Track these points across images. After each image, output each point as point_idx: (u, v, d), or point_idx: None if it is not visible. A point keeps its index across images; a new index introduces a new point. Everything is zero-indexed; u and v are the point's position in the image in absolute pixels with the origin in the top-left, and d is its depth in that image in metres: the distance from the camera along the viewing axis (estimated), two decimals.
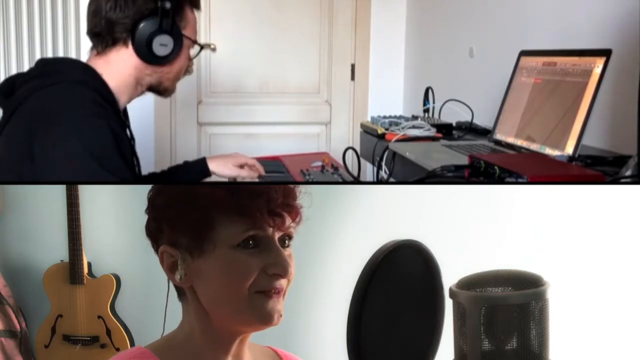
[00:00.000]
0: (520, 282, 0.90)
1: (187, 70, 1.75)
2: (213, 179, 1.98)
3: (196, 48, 1.74)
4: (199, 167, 1.94)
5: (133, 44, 1.61)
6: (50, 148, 1.45)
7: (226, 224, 0.93)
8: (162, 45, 1.62)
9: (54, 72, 1.59)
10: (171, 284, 1.01)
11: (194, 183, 1.90)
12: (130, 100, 1.70)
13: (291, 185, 0.98)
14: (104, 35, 1.61)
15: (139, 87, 1.69)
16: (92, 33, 1.63)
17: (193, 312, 0.99)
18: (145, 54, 1.62)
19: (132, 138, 1.70)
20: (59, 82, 1.55)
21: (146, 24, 1.59)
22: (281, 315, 0.95)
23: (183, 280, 0.96)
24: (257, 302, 0.94)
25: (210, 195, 0.94)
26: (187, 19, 1.67)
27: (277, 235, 0.95)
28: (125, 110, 1.72)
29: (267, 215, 0.93)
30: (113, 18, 1.59)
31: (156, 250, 1.00)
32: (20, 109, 1.52)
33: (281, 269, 0.94)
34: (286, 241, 0.97)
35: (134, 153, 1.67)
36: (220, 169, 1.95)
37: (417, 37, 3.54)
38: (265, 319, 0.94)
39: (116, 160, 1.50)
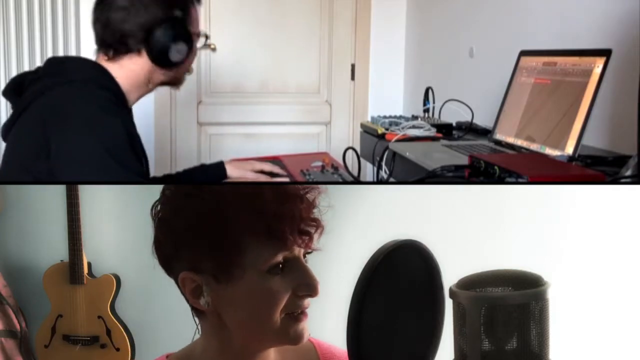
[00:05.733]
0: (520, 282, 0.90)
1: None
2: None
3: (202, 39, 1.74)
4: (217, 170, 1.92)
5: (148, 54, 1.61)
6: (66, 144, 1.46)
7: (256, 248, 0.89)
8: (177, 52, 1.62)
9: (66, 70, 1.60)
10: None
11: (209, 183, 1.89)
12: (139, 98, 1.71)
13: (310, 197, 0.95)
14: (116, 46, 1.60)
15: (150, 85, 1.70)
16: (105, 44, 1.62)
17: (213, 331, 0.96)
18: (162, 61, 1.62)
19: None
20: (72, 80, 1.55)
21: (160, 33, 1.59)
22: (309, 334, 0.94)
23: (210, 307, 0.93)
24: (286, 324, 0.92)
25: (236, 217, 0.89)
26: (192, 17, 1.67)
27: (302, 252, 0.93)
28: (130, 110, 1.72)
29: (297, 234, 0.90)
30: (126, 30, 1.58)
31: (167, 271, 0.96)
32: (32, 107, 1.53)
33: (312, 289, 0.92)
34: (306, 255, 0.95)
35: (143, 152, 1.68)
36: (239, 174, 1.93)
37: (417, 37, 3.54)
38: (295, 339, 0.93)
39: (130, 157, 1.51)
